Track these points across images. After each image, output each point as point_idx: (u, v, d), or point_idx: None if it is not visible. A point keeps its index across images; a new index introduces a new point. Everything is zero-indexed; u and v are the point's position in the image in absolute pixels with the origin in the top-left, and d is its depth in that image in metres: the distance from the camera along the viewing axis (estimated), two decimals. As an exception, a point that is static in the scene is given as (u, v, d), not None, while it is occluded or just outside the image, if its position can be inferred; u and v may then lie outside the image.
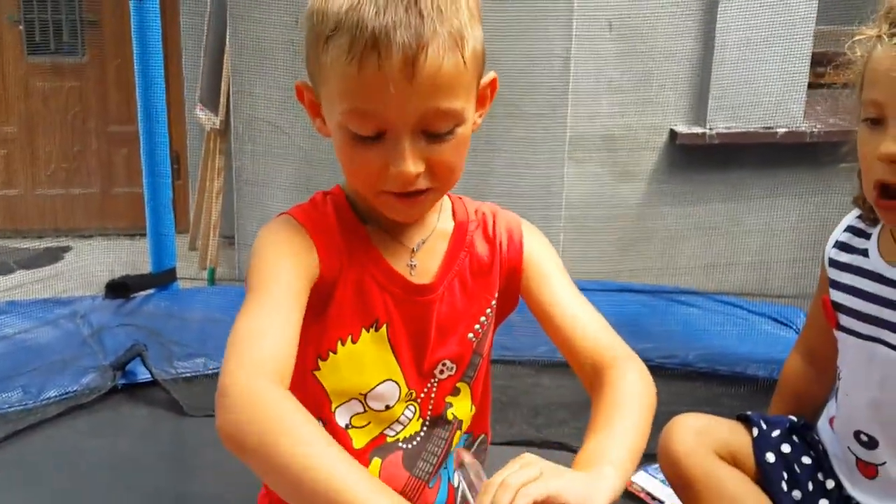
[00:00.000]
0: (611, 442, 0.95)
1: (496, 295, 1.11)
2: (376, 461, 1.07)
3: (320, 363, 1.04)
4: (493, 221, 1.12)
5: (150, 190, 2.60)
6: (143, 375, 2.12)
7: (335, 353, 1.03)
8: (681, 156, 3.19)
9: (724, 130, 3.14)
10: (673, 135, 3.16)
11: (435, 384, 1.09)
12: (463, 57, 0.92)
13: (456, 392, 1.11)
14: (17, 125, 4.17)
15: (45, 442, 1.87)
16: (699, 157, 3.17)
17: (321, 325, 1.03)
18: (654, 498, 1.71)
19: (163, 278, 2.64)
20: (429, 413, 1.09)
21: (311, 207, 1.05)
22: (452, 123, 0.95)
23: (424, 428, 1.10)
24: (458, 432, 1.12)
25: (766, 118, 3.13)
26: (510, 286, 1.12)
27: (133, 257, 2.90)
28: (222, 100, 3.38)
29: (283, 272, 0.98)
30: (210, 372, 2.04)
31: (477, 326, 1.11)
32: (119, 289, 2.53)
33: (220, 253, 3.57)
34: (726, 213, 3.16)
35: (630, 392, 1.02)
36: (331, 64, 0.93)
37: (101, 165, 4.29)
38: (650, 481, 1.74)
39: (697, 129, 3.15)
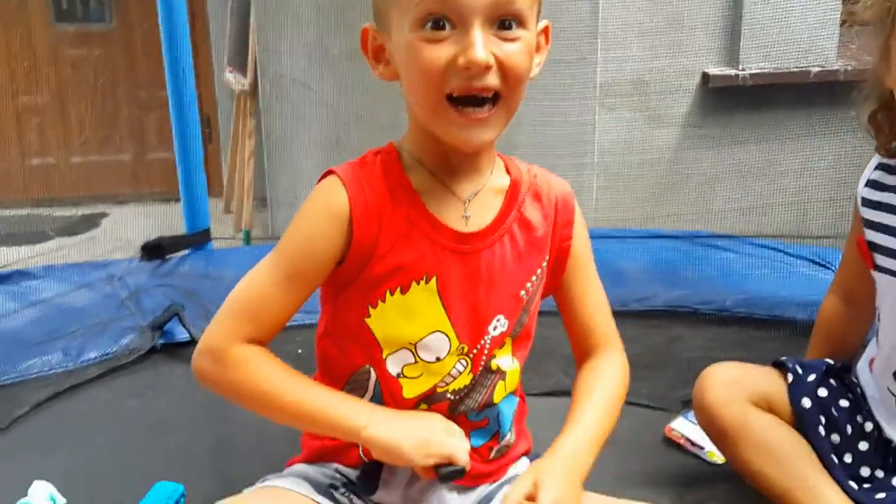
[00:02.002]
0: (581, 445, 1.14)
1: (546, 259, 1.15)
2: (422, 407, 1.12)
3: (370, 310, 1.08)
4: (547, 188, 1.16)
5: (181, 151, 2.61)
6: (182, 335, 2.14)
7: (384, 301, 1.07)
8: (714, 98, 3.15)
9: (758, 71, 3.09)
10: (705, 77, 3.12)
11: (488, 340, 1.12)
12: None
13: (502, 346, 1.15)
14: (48, 94, 4.19)
15: (85, 403, 1.89)
16: (732, 100, 3.14)
17: (369, 277, 1.07)
18: (693, 444, 1.71)
19: (197, 238, 2.66)
20: (480, 368, 1.13)
21: (359, 166, 1.09)
22: (519, 20, 1.00)
23: (473, 382, 1.13)
24: (501, 382, 1.15)
25: (800, 58, 3.09)
26: (558, 264, 1.17)
27: (168, 221, 2.91)
28: (250, 61, 3.37)
29: (305, 253, 1.07)
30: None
31: (529, 285, 1.14)
32: (154, 250, 2.55)
33: (254, 215, 3.58)
34: (761, 155, 3.12)
35: (605, 382, 1.19)
36: None
37: (132, 131, 4.31)
38: (688, 427, 1.73)
39: (730, 71, 3.11)
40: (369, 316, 1.08)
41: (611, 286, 2.31)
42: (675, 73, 3.11)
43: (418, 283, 1.07)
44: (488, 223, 1.10)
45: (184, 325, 2.13)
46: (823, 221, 2.74)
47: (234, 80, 3.60)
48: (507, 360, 1.16)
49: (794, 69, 3.09)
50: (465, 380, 1.12)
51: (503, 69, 0.99)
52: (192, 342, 2.10)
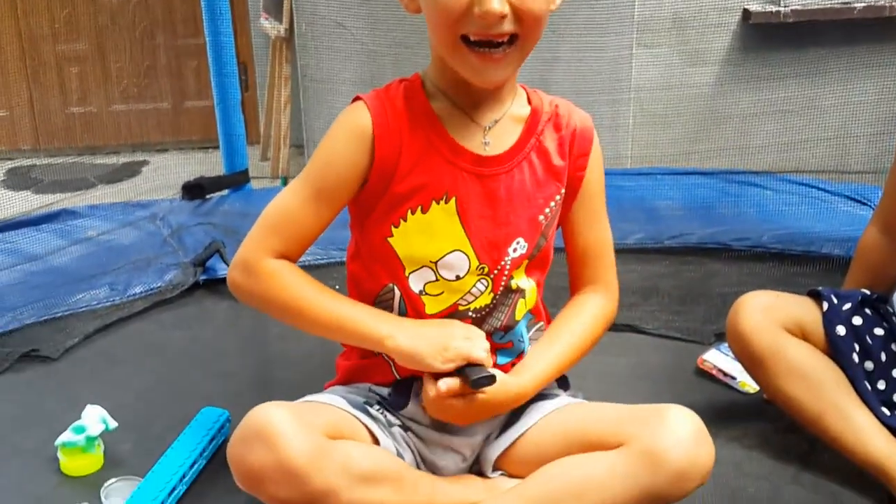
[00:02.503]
0: (543, 356, 1.18)
1: (563, 187, 1.18)
2: None
3: (393, 230, 1.13)
4: (568, 118, 1.17)
5: (220, 93, 2.63)
6: (223, 270, 2.16)
7: (405, 220, 1.12)
8: (754, 36, 3.09)
9: (800, 7, 3.02)
10: (746, 14, 3.05)
11: (508, 262, 1.15)
12: None
13: (519, 267, 1.19)
14: (87, 42, 4.18)
15: (133, 334, 1.95)
16: (773, 37, 3.07)
17: (392, 197, 1.12)
18: (725, 374, 1.72)
19: (236, 179, 2.69)
20: (501, 289, 1.17)
21: (384, 92, 1.13)
22: None
23: (493, 301, 1.17)
24: (522, 300, 1.19)
25: (844, -8, 2.99)
26: (568, 193, 1.19)
27: (208, 167, 2.92)
28: (285, 5, 3.37)
29: (331, 171, 1.12)
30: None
31: (547, 210, 1.17)
32: (195, 189, 2.59)
33: (291, 162, 3.61)
34: (803, 93, 3.05)
35: (587, 315, 1.22)
36: None
37: (171, 79, 4.28)
38: (720, 358, 1.75)
39: (771, 8, 3.03)
40: (392, 235, 1.13)
41: (645, 223, 2.42)
42: (714, 10, 3.05)
43: (438, 203, 1.11)
44: (507, 149, 1.13)
45: (224, 261, 2.16)
46: (865, 158, 2.71)
47: (269, 26, 3.59)
48: (524, 281, 1.19)
49: (838, 5, 3.01)
50: (485, 299, 1.16)
51: (519, 14, 1.02)
52: None
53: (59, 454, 1.45)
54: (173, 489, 1.34)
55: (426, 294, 1.15)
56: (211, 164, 2.96)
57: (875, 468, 1.34)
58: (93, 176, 3.86)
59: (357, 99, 1.14)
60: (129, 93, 4.27)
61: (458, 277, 1.14)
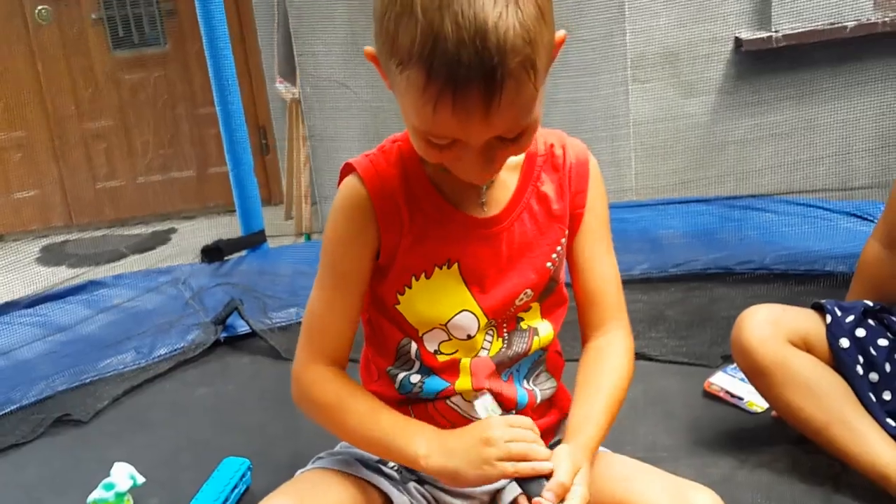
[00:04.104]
0: (590, 427, 1.07)
1: (567, 229, 1.13)
2: (465, 360, 1.12)
3: (399, 297, 1.10)
4: (563, 156, 1.12)
5: (232, 158, 2.72)
6: (242, 328, 2.23)
7: (410, 287, 1.09)
8: (748, 63, 3.12)
9: (791, 31, 3.05)
10: (738, 42, 3.10)
11: (513, 310, 1.13)
12: (535, 83, 0.90)
13: (527, 310, 1.15)
14: (112, 118, 4.26)
15: (159, 394, 2.01)
16: (767, 63, 3.10)
17: (397, 268, 1.09)
18: (732, 395, 1.72)
19: (253, 239, 2.77)
20: (504, 331, 1.14)
21: (376, 158, 1.07)
22: (525, 129, 0.95)
23: (505, 343, 1.14)
24: (536, 339, 1.15)
25: (834, 13, 3.03)
26: (570, 231, 1.14)
27: (233, 230, 2.96)
28: (298, 69, 3.47)
29: (342, 252, 1.09)
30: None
31: (554, 255, 1.13)
32: (213, 252, 2.66)
33: (313, 219, 3.68)
34: (800, 115, 3.07)
35: (611, 366, 1.13)
36: (404, 88, 0.91)
37: (194, 148, 4.35)
38: (728, 380, 1.76)
39: (762, 34, 3.07)
40: (399, 303, 1.10)
41: (650, 252, 2.44)
42: (706, 42, 3.09)
43: (441, 268, 1.08)
44: (505, 204, 1.09)
45: (243, 318, 2.22)
46: (868, 174, 2.73)
47: (284, 91, 3.70)
48: (539, 325, 1.15)
49: (829, 26, 3.04)
50: (497, 345, 1.13)
51: (507, 157, 0.99)
52: (253, 333, 2.21)
53: (91, 511, 1.51)
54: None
55: (441, 353, 1.12)
56: (235, 226, 3.00)
57: (881, 478, 1.34)
58: (124, 246, 3.94)
59: (348, 167, 1.09)
60: (154, 163, 4.36)
61: (469, 336, 1.11)
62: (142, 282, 2.58)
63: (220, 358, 2.16)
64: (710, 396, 1.75)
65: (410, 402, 1.15)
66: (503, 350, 1.13)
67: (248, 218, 2.78)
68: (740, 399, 1.70)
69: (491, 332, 1.12)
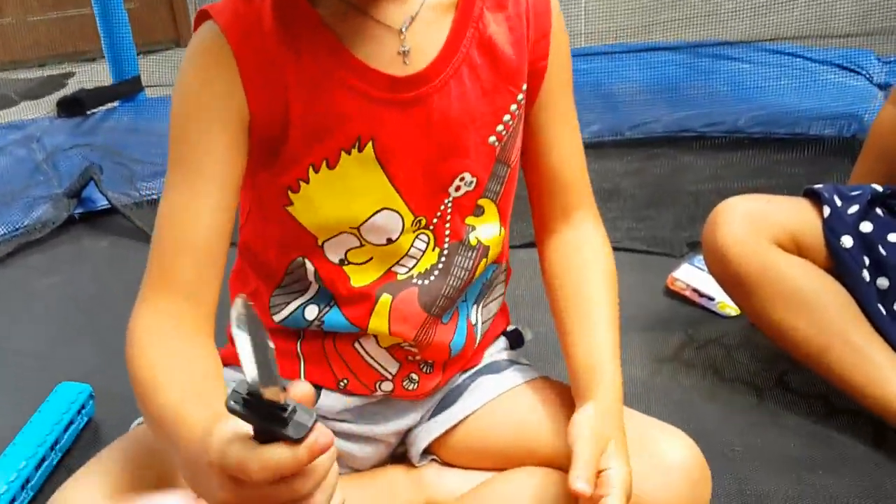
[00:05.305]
0: (607, 375, 0.94)
1: (524, 88, 0.93)
2: (385, 298, 0.94)
3: (291, 195, 0.89)
4: None
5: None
6: (102, 202, 2.02)
7: (307, 182, 0.88)
8: None
9: None
10: None
11: (450, 204, 0.93)
12: None
13: (479, 211, 0.96)
14: None
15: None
16: None
17: (286, 154, 0.88)
18: (701, 294, 1.56)
19: (123, 88, 2.54)
20: (446, 241, 0.95)
21: (242, 3, 0.85)
22: None
23: (443, 259, 0.96)
24: (484, 260, 0.98)
25: None
26: (528, 93, 0.95)
27: (146, 74, 2.76)
28: None
29: (200, 139, 0.84)
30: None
31: (500, 127, 0.93)
32: (72, 105, 2.43)
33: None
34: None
35: (598, 272, 1.00)
36: None
37: None
38: (696, 274, 1.59)
39: None
40: (291, 203, 0.89)
41: (602, 112, 2.29)
42: None
43: (349, 153, 0.87)
44: (435, 55, 0.88)
45: (100, 190, 1.99)
46: (851, 18, 2.52)
47: None
48: (488, 229, 0.98)
49: None
50: (430, 258, 0.95)
51: None
52: (113, 209, 2.00)
53: None
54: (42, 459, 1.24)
55: (349, 263, 0.92)
56: (147, 68, 2.77)
57: (894, 415, 1.20)
58: (14, 92, 3.61)
59: (203, 14, 0.86)
60: (48, 0, 4.12)
61: (389, 241, 0.91)
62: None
63: (74, 240, 1.96)
64: (674, 296, 1.60)
65: (300, 337, 0.98)
66: (439, 272, 0.96)
67: (119, 62, 2.56)
68: (711, 300, 1.55)
69: (425, 238, 0.94)
